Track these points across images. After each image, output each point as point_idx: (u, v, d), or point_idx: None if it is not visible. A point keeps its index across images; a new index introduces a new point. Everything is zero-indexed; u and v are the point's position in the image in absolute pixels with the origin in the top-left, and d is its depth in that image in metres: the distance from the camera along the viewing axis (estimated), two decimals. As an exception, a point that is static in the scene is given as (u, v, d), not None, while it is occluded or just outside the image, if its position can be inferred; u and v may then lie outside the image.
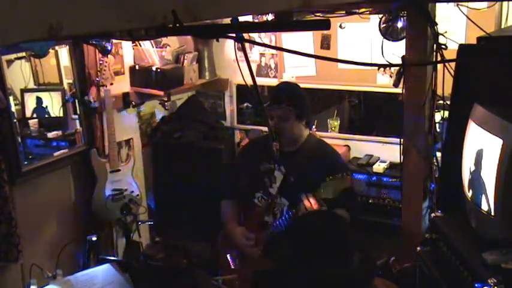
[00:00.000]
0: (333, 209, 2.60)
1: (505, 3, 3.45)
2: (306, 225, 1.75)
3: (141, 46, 4.13)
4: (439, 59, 2.74)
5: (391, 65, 3.19)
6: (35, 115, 3.73)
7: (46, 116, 3.79)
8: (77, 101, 3.74)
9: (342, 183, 2.58)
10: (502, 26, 3.49)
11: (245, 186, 3.02)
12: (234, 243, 2.94)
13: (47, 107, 3.78)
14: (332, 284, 1.56)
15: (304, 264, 1.58)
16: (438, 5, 2.87)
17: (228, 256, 2.98)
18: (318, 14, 2.92)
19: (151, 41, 4.04)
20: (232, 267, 2.96)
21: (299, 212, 2.63)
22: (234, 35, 1.60)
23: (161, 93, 4.18)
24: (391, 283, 2.65)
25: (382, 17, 3.15)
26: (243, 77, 2.31)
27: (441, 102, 2.86)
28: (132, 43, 3.99)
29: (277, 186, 2.89)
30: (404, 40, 2.93)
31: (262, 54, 4.55)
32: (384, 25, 3.15)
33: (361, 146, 4.30)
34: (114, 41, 3.67)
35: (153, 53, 4.19)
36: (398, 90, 3.07)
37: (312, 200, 2.57)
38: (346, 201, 2.68)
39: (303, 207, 2.62)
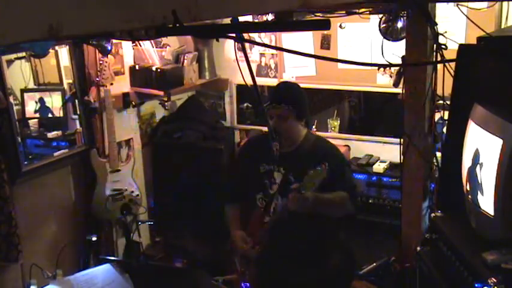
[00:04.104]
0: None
1: (505, 3, 3.45)
2: (282, 227, 1.74)
3: (141, 46, 4.14)
4: (439, 59, 2.74)
5: (391, 65, 3.18)
6: (37, 115, 3.73)
7: (47, 116, 3.79)
8: (77, 101, 3.74)
9: (320, 175, 2.61)
10: (502, 26, 3.49)
11: (246, 188, 3.02)
12: (235, 246, 2.95)
13: (49, 107, 3.78)
14: (308, 284, 1.55)
15: (280, 265, 1.57)
16: (438, 5, 2.87)
17: (236, 260, 2.97)
18: (318, 14, 2.92)
19: (151, 41, 4.04)
20: (239, 271, 2.95)
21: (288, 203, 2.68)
22: (234, 35, 1.60)
23: (161, 93, 4.18)
24: (372, 285, 2.66)
25: (382, 17, 3.15)
26: (243, 77, 2.31)
27: (441, 102, 2.85)
28: (132, 43, 3.99)
29: (277, 187, 2.89)
30: (404, 40, 2.92)
31: (262, 54, 4.55)
32: (384, 25, 3.14)
33: (361, 146, 4.30)
34: (114, 41, 3.67)
35: (153, 53, 4.20)
36: (398, 90, 3.07)
37: None
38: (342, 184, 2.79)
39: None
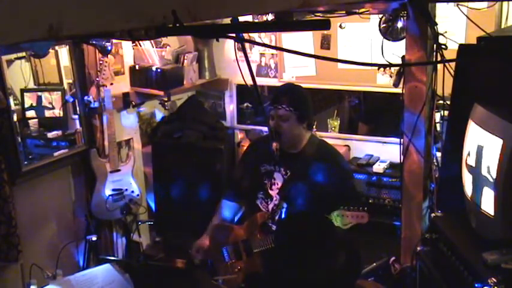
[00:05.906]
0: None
1: (505, 3, 3.45)
2: (290, 227, 1.76)
3: (141, 46, 4.13)
4: (439, 59, 2.74)
5: (391, 65, 3.19)
6: (33, 112, 3.73)
7: (43, 114, 3.79)
8: (77, 101, 3.74)
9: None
10: (502, 26, 3.49)
11: (247, 188, 3.03)
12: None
13: (45, 106, 3.78)
14: (315, 284, 1.56)
15: (288, 264, 1.58)
16: (438, 5, 2.87)
17: (224, 250, 2.96)
18: (318, 14, 2.92)
19: (151, 41, 4.04)
20: (227, 260, 2.94)
21: None
22: (234, 35, 1.60)
23: (161, 93, 4.18)
24: (381, 286, 2.66)
25: (382, 17, 3.15)
26: (243, 77, 2.31)
27: (441, 102, 2.86)
28: (132, 43, 3.99)
29: (278, 188, 2.89)
30: (404, 40, 2.93)
31: (262, 54, 4.55)
32: (384, 25, 3.15)
33: (361, 146, 4.30)
34: (114, 41, 3.67)
35: (153, 53, 4.19)
36: (398, 90, 3.07)
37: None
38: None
39: None
